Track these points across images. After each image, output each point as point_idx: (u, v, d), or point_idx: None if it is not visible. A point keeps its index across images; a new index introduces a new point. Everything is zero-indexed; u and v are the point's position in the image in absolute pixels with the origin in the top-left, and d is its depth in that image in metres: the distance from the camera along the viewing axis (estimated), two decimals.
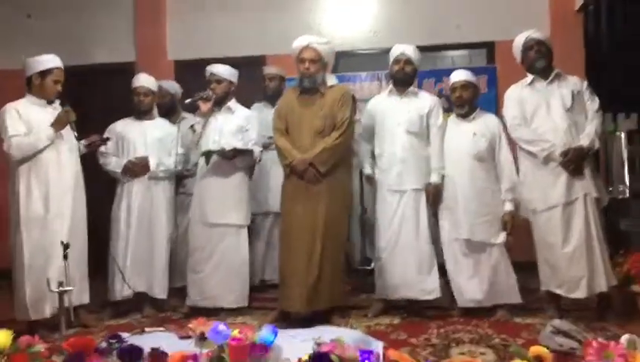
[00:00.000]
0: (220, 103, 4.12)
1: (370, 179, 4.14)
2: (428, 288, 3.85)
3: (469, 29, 5.73)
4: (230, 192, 4.07)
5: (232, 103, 4.17)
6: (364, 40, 5.92)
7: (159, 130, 4.35)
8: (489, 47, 5.74)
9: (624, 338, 2.13)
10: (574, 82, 3.74)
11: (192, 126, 4.11)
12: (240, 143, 4.03)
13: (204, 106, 4.04)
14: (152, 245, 4.21)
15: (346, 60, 6.03)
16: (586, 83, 3.76)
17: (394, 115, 3.98)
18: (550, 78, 3.73)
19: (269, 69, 5.02)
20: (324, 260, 3.68)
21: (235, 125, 4.10)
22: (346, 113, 3.77)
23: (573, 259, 3.54)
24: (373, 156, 4.11)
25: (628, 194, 4.67)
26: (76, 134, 3.87)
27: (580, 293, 3.54)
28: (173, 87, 4.90)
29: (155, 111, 4.45)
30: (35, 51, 6.16)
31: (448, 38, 5.81)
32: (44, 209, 3.70)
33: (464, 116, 3.95)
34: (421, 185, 3.92)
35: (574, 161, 3.55)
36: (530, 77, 3.79)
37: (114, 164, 4.26)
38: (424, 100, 4.02)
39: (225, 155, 3.95)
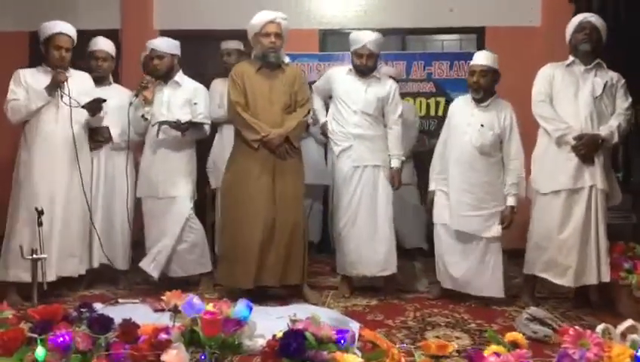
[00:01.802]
0: (165, 78, 4.04)
1: (324, 126, 4.10)
2: (383, 265, 3.85)
3: (460, 14, 5.69)
4: (178, 166, 4.01)
5: (179, 76, 4.08)
6: (354, 19, 5.85)
7: (117, 97, 4.16)
8: (479, 32, 5.71)
9: (599, 327, 2.13)
10: (612, 76, 3.63)
11: (142, 115, 3.98)
12: (189, 117, 3.96)
13: (148, 93, 3.96)
14: (114, 217, 4.14)
15: (335, 39, 5.95)
16: (623, 81, 3.65)
17: (350, 95, 3.94)
18: (590, 66, 3.63)
19: (228, 44, 4.89)
20: (284, 237, 3.66)
21: (183, 98, 4.03)
22: (307, 92, 3.88)
23: (564, 248, 3.51)
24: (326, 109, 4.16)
25: None
26: (64, 94, 3.73)
27: (566, 281, 3.53)
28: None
29: (111, 77, 4.32)
30: (20, 16, 6.06)
31: (439, 22, 5.76)
32: (33, 174, 3.68)
33: (478, 101, 3.77)
34: (380, 162, 3.90)
35: (586, 147, 3.48)
36: (570, 58, 3.69)
37: None
38: (384, 85, 3.98)
39: (180, 128, 3.88)
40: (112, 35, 5.44)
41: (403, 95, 4.71)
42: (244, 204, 3.70)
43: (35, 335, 1.99)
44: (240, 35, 5.52)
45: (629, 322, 2.18)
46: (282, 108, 3.74)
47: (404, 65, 5.57)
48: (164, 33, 5.85)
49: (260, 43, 3.74)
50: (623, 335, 2.13)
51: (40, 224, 3.18)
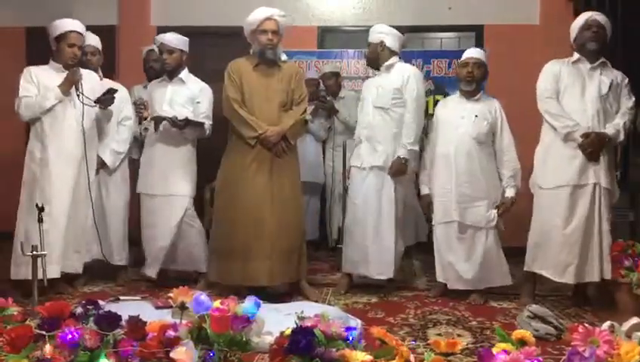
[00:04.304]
0: (171, 74, 4.05)
1: None
2: (380, 268, 3.85)
3: (459, 12, 5.71)
4: (176, 164, 4.01)
5: (184, 74, 4.07)
6: (352, 16, 5.87)
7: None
8: (478, 30, 5.73)
9: (605, 325, 2.14)
10: (616, 75, 3.66)
11: (145, 128, 4.06)
12: (191, 115, 3.96)
13: (146, 113, 4.03)
14: (110, 213, 4.14)
15: (333, 36, 5.97)
16: (627, 80, 3.68)
17: (366, 93, 4.00)
18: (595, 64, 3.64)
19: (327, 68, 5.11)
20: (281, 236, 3.66)
21: (186, 96, 4.03)
22: (304, 89, 3.88)
23: (567, 244, 3.53)
24: None
25: None
26: (80, 93, 3.70)
27: (567, 279, 3.55)
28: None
29: (100, 72, 4.25)
30: (18, 11, 6.00)
31: (438, 20, 5.79)
32: (42, 172, 3.65)
33: (469, 95, 3.84)
34: (386, 164, 3.86)
35: (593, 145, 3.50)
36: (576, 55, 3.69)
37: None
38: (398, 73, 3.91)
39: (176, 124, 3.88)
40: (109, 31, 5.45)
41: None
42: (240, 202, 3.69)
43: (43, 332, 1.97)
44: (237, 32, 5.56)
45: (634, 320, 2.19)
46: (279, 106, 3.75)
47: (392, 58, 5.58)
48: (162, 30, 5.85)
49: (257, 40, 3.74)
50: (628, 333, 2.15)
51: (40, 220, 3.16)
